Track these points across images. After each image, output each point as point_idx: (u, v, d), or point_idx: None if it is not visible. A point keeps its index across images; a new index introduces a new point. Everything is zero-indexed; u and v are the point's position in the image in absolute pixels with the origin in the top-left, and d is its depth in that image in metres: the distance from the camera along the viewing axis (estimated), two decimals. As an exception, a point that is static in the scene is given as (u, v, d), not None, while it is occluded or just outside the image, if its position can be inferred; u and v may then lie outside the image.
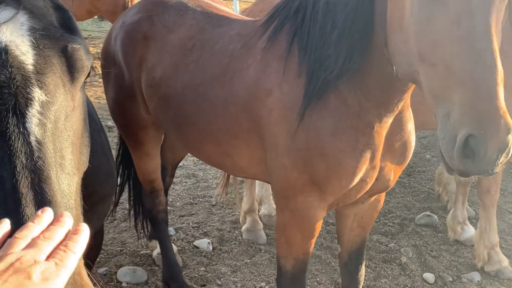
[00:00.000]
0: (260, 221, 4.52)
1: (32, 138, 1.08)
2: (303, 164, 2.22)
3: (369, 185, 2.33)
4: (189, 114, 2.64)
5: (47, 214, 0.99)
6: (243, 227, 4.47)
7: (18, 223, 1.00)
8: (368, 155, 2.20)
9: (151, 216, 3.72)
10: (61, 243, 0.96)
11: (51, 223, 0.98)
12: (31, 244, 0.92)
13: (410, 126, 2.37)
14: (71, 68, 1.20)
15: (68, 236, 0.97)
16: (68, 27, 1.26)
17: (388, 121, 2.21)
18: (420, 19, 1.68)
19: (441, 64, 1.63)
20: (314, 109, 2.16)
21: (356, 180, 2.23)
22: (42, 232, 0.96)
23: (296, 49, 2.24)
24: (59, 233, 0.96)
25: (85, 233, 0.99)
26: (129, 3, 7.44)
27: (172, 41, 2.79)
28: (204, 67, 2.60)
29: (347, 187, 2.24)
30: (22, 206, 1.02)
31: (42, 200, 1.03)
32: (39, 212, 0.99)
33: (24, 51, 1.13)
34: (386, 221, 4.79)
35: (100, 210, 2.34)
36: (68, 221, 1.00)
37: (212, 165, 2.95)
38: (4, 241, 0.93)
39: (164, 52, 2.80)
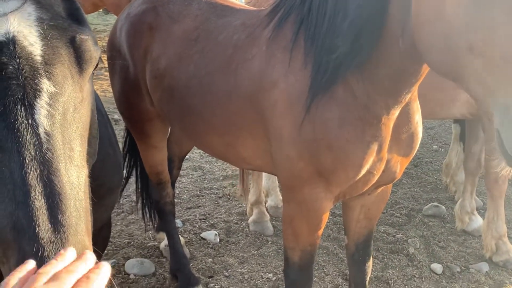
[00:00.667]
0: (267, 213, 4.52)
1: (41, 130, 1.07)
2: (309, 155, 2.20)
3: (376, 177, 2.31)
4: (193, 105, 2.63)
5: (70, 253, 0.98)
6: (250, 219, 4.48)
7: (26, 215, 1.00)
8: (375, 147, 2.18)
9: (158, 208, 3.72)
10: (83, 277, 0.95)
11: (74, 260, 0.98)
12: (54, 278, 0.92)
13: (418, 117, 2.34)
14: (79, 59, 1.19)
15: (90, 270, 0.97)
16: (76, 18, 1.25)
17: (396, 113, 2.19)
18: (470, 10, 1.57)
19: (499, 55, 1.52)
20: (321, 100, 2.14)
21: (363, 172, 2.21)
22: (65, 267, 0.95)
23: (302, 40, 2.21)
24: (81, 267, 0.96)
25: (106, 267, 0.98)
26: (134, -4, 7.41)
27: (176, 32, 2.78)
28: (208, 57, 2.58)
29: (354, 179, 2.23)
30: (31, 198, 1.01)
31: (51, 192, 1.03)
32: (62, 250, 0.98)
33: (32, 42, 1.12)
34: (394, 212, 4.78)
35: (107, 202, 2.33)
36: (90, 259, 0.98)
37: (217, 156, 2.95)
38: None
39: (168, 43, 2.79)
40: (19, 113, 1.06)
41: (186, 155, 4.19)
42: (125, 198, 4.85)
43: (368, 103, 2.13)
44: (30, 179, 1.02)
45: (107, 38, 3.66)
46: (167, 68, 2.74)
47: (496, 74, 1.54)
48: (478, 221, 4.35)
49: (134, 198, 4.20)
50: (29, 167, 1.03)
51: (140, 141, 3.38)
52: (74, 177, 1.10)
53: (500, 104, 1.55)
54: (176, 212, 4.10)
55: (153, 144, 3.33)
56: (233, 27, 2.58)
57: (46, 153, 1.06)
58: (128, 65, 3.03)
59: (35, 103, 1.08)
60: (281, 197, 4.67)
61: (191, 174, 5.59)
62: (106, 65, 3.32)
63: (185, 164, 5.51)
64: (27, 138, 1.05)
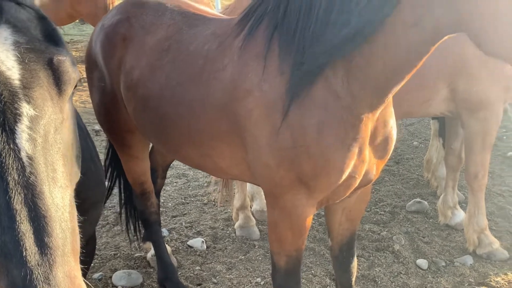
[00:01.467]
0: (252, 217, 4.54)
1: (23, 154, 1.08)
2: (288, 163, 2.19)
3: (358, 181, 2.31)
4: (167, 117, 2.62)
5: None
6: (236, 224, 4.49)
7: (13, 240, 1.00)
8: (356, 149, 2.17)
9: (143, 218, 3.71)
10: None
11: None
12: None
13: (392, 122, 2.37)
14: (58, 81, 1.20)
15: None
16: (52, 39, 1.25)
17: (377, 113, 2.19)
18: None
19: None
20: (300, 105, 2.12)
21: (344, 176, 2.21)
22: None
23: (276, 46, 2.19)
24: None
25: None
26: (110, 5, 7.39)
27: (149, 43, 2.78)
28: (180, 68, 2.57)
29: (336, 184, 2.23)
30: (17, 223, 1.02)
31: (37, 215, 1.04)
32: None
33: (10, 66, 1.12)
34: (378, 210, 4.83)
35: (91, 216, 2.33)
36: None
37: (194, 167, 2.94)
38: None
39: (141, 53, 2.78)
40: (0, 139, 1.06)
41: (170, 164, 4.18)
42: (110, 210, 4.83)
43: (351, 103, 2.11)
44: (14, 204, 1.03)
45: (84, 48, 3.65)
46: (140, 79, 2.74)
47: None
48: (460, 215, 4.42)
49: (119, 209, 4.18)
50: (13, 191, 1.04)
51: (121, 152, 3.37)
52: (59, 198, 1.10)
53: None
54: (161, 221, 4.10)
55: (134, 154, 3.32)
56: (203, 37, 2.58)
57: (30, 177, 1.06)
58: (104, 76, 3.03)
59: (16, 128, 1.08)
60: (266, 201, 4.68)
61: (175, 182, 5.58)
62: (85, 76, 3.31)
63: (169, 172, 5.48)
64: (10, 163, 1.05)
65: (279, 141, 2.17)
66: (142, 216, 3.70)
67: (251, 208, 4.72)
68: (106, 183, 3.71)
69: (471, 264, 3.94)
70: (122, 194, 3.97)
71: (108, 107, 3.12)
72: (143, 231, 3.98)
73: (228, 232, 4.51)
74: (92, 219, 2.40)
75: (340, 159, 2.16)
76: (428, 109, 3.89)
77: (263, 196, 4.77)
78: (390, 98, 2.20)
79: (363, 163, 2.26)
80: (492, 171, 5.38)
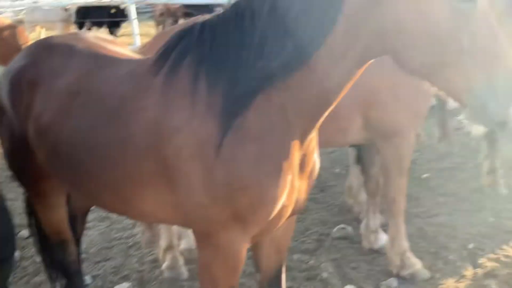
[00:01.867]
0: (180, 257, 4.43)
1: None
2: (224, 199, 2.15)
3: (290, 210, 2.31)
4: (81, 162, 2.52)
5: None
6: (164, 265, 4.36)
7: None
8: (289, 177, 2.18)
9: (63, 268, 3.53)
10: None
11: None
12: None
13: (317, 153, 2.43)
14: None
15: None
16: None
17: (307, 139, 2.23)
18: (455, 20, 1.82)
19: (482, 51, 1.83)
20: (233, 138, 2.09)
21: (279, 206, 2.21)
22: None
23: (204, 81, 2.16)
24: None
25: None
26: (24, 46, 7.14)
27: (58, 86, 2.68)
28: (92, 111, 2.49)
29: (271, 215, 2.21)
30: None
31: None
32: None
33: None
34: (305, 238, 4.87)
35: (2, 272, 2.20)
36: None
37: (116, 213, 2.84)
38: None
39: (50, 98, 2.68)
40: None
41: (90, 208, 4.01)
42: (28, 260, 4.57)
43: (287, 131, 2.14)
44: None
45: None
46: (50, 124, 2.64)
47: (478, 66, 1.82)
48: (383, 238, 4.53)
49: (37, 259, 3.95)
50: None
51: (35, 200, 3.21)
52: None
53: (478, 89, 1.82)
54: (84, 268, 3.93)
55: (49, 203, 3.16)
56: (117, 78, 2.51)
57: None
58: (12, 122, 2.90)
59: None
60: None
61: (98, 226, 5.37)
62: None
63: (90, 215, 5.27)
64: None
65: (213, 178, 2.13)
66: (61, 266, 3.51)
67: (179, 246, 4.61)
68: (26, 231, 3.50)
69: (395, 286, 4.04)
70: (41, 243, 3.76)
71: (18, 154, 2.98)
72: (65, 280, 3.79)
73: (155, 274, 4.37)
74: (3, 274, 2.26)
75: (276, 189, 2.15)
76: (346, 138, 4.00)
77: (191, 235, 4.68)
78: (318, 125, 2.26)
79: (294, 191, 2.28)
80: (409, 194, 5.53)
